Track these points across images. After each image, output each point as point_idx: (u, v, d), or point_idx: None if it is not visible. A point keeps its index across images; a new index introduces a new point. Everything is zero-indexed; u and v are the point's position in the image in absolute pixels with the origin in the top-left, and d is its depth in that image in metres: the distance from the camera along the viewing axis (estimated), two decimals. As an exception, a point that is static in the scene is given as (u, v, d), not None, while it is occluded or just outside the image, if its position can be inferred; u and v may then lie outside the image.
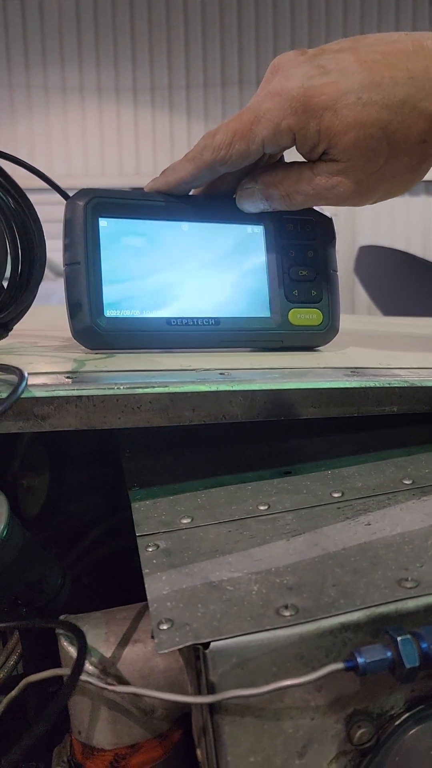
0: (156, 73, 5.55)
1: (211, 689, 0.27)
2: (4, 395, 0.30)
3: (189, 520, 0.36)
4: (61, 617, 0.33)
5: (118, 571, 0.46)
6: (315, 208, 0.48)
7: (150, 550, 0.33)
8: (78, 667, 0.28)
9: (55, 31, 5.44)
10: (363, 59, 0.39)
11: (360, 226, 5.25)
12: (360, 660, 0.26)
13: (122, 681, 0.31)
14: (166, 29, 5.46)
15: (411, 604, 0.28)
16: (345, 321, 0.56)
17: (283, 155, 0.46)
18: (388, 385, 0.40)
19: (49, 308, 0.76)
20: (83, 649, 0.29)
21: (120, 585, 0.44)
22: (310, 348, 0.49)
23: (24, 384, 0.31)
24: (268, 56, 5.42)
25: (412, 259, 2.70)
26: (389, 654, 0.26)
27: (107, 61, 5.49)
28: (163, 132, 5.63)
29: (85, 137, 5.54)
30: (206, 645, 0.26)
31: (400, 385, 0.40)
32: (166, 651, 0.26)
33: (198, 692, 0.28)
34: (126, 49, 5.50)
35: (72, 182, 5.32)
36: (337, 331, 0.49)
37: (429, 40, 0.39)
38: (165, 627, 0.27)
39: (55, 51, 5.48)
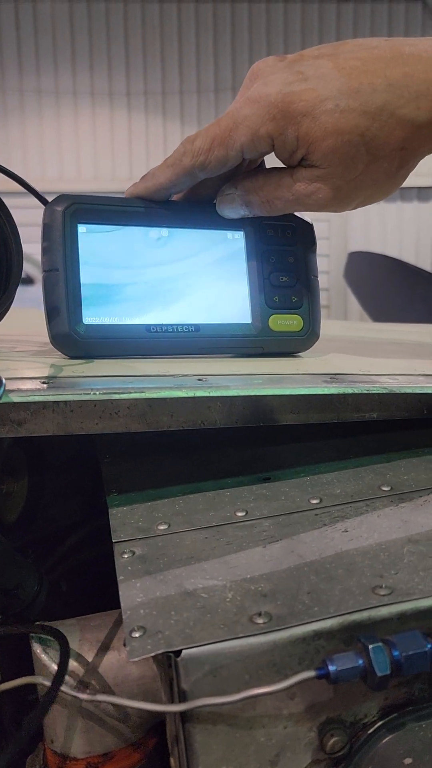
0: (149, 79, 5.57)
1: (183, 697, 0.26)
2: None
3: (166, 527, 0.36)
4: (35, 624, 0.33)
5: (96, 576, 0.46)
6: (296, 213, 0.48)
7: (125, 556, 0.33)
8: (59, 677, 0.28)
9: (48, 35, 5.45)
10: (341, 66, 0.39)
11: (352, 231, 5.28)
12: (331, 668, 0.26)
13: (96, 689, 0.31)
14: (160, 35, 5.48)
15: (384, 611, 0.28)
16: (331, 327, 0.56)
17: (263, 161, 0.46)
18: (366, 392, 0.40)
19: (25, 312, 0.76)
20: (66, 658, 0.29)
21: (98, 591, 0.44)
22: (290, 354, 0.49)
23: (2, 389, 0.31)
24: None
25: (402, 266, 2.72)
26: (361, 662, 0.26)
27: (101, 66, 5.50)
28: (156, 137, 5.64)
29: (78, 141, 5.55)
30: (178, 653, 0.26)
31: (379, 392, 0.40)
32: (137, 659, 0.26)
33: (170, 700, 0.28)
34: (120, 54, 5.52)
35: (64, 186, 5.33)
36: (317, 337, 0.49)
37: (408, 46, 0.39)
38: (137, 635, 0.27)
39: (49, 55, 5.49)
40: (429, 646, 0.27)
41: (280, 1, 5.44)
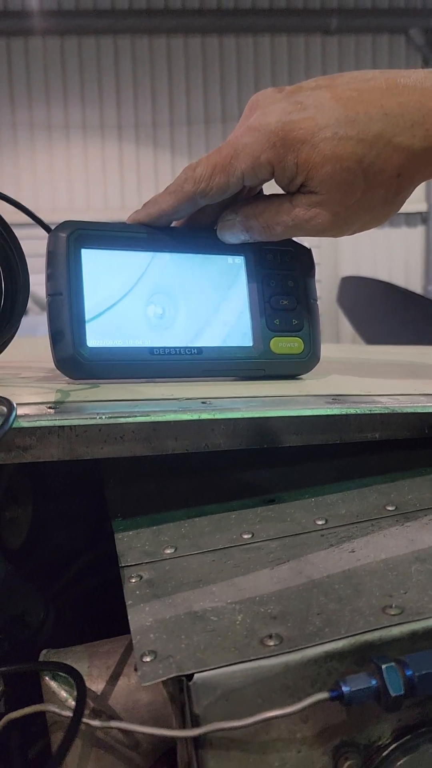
0: (140, 111, 5.65)
1: (196, 722, 0.26)
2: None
3: (172, 550, 0.36)
4: (43, 652, 0.33)
5: (102, 602, 0.46)
6: (294, 238, 0.48)
7: (133, 581, 0.33)
8: (77, 715, 0.27)
9: (40, 70, 5.54)
10: (339, 96, 0.40)
11: (342, 256, 5.33)
12: (345, 689, 0.26)
13: (106, 716, 0.31)
14: (150, 68, 5.58)
15: (395, 631, 0.28)
16: (328, 349, 0.57)
17: (262, 188, 0.47)
18: (369, 412, 0.40)
19: (32, 340, 0.76)
20: (83, 696, 0.28)
21: (104, 617, 0.43)
22: (292, 376, 0.50)
23: (13, 415, 0.31)
24: (249, 94, 5.54)
25: (394, 289, 2.74)
26: (374, 682, 0.26)
27: (92, 99, 5.59)
28: (147, 168, 5.71)
29: (70, 173, 5.61)
30: (190, 677, 0.26)
31: (381, 412, 0.40)
32: (149, 683, 0.26)
33: (182, 725, 0.27)
34: (110, 87, 5.61)
35: (57, 216, 5.35)
36: (318, 359, 0.50)
37: (402, 77, 0.41)
38: (148, 659, 0.27)
39: (41, 90, 5.57)
40: (442, 665, 0.27)
41: (266, 35, 5.56)
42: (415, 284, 5.35)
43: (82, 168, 5.63)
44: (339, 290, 2.96)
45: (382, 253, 5.41)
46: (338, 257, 5.32)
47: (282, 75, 5.65)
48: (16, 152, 5.55)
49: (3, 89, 5.52)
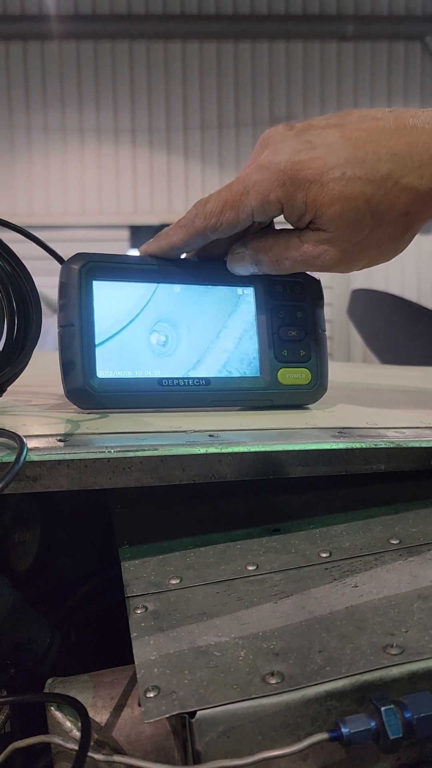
0: (154, 115, 5.68)
1: (197, 758, 0.27)
2: (6, 460, 0.31)
3: (178, 581, 0.36)
4: (49, 681, 0.33)
5: (108, 628, 0.46)
6: None
7: (138, 612, 0.34)
8: (83, 748, 0.28)
9: (56, 73, 5.58)
10: (348, 136, 0.41)
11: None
12: (344, 730, 0.27)
13: (110, 748, 0.31)
14: (165, 73, 5.61)
15: (395, 671, 0.28)
16: (337, 372, 0.57)
17: (273, 221, 0.48)
18: (374, 446, 0.40)
19: (42, 355, 0.76)
20: (87, 728, 0.29)
21: (110, 643, 0.44)
22: (299, 406, 0.50)
23: (24, 452, 0.32)
24: (264, 100, 5.57)
25: (405, 304, 2.73)
26: (373, 724, 0.27)
27: (107, 103, 5.62)
28: (161, 172, 5.74)
29: (84, 177, 5.64)
30: (192, 713, 0.26)
31: (387, 446, 0.41)
32: (152, 720, 0.26)
33: (184, 761, 0.28)
34: (125, 92, 5.64)
35: (69, 220, 5.40)
36: (325, 389, 0.50)
37: (411, 118, 0.41)
38: (152, 694, 0.27)
39: (56, 93, 5.61)
40: (440, 707, 0.28)
41: (282, 40, 5.57)
42: (426, 298, 5.34)
43: (95, 172, 5.66)
44: (350, 302, 2.95)
45: (395, 263, 5.40)
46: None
47: (296, 81, 5.66)
48: (30, 155, 5.58)
49: (18, 92, 5.57)
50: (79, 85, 5.61)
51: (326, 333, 0.50)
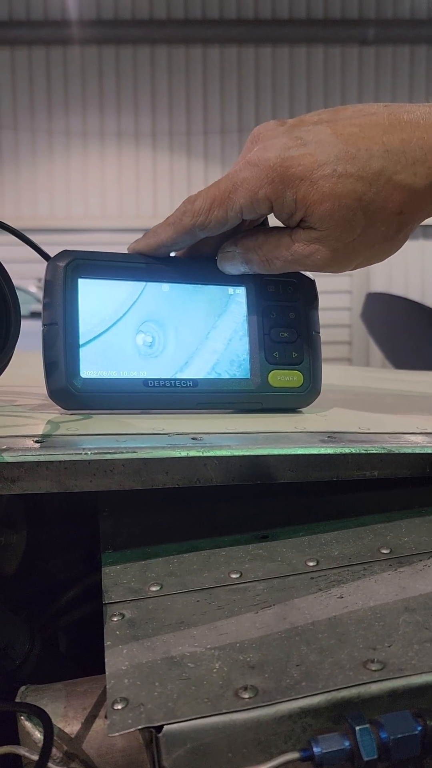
0: (174, 119, 5.71)
1: (164, 775, 0.26)
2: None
3: (158, 588, 0.35)
4: (22, 688, 0.32)
5: (95, 634, 0.45)
6: None
7: (115, 620, 0.33)
8: (43, 759, 0.27)
9: (78, 78, 5.63)
10: (339, 132, 0.40)
11: (374, 269, 5.29)
12: (316, 750, 0.25)
13: (78, 760, 0.30)
14: (185, 77, 5.63)
15: (374, 688, 0.27)
16: (341, 376, 0.56)
17: (267, 219, 0.47)
18: (365, 452, 0.39)
19: (33, 356, 0.74)
20: (50, 738, 0.28)
21: (93, 648, 0.43)
22: (290, 410, 0.49)
23: None
24: (284, 104, 5.57)
25: (417, 307, 2.69)
26: (347, 744, 0.26)
27: (127, 107, 5.66)
28: (180, 175, 5.76)
29: (104, 180, 5.69)
30: (159, 728, 0.25)
31: (378, 452, 0.39)
32: (116, 734, 0.25)
33: (152, 777, 0.27)
34: (146, 96, 5.68)
35: (89, 223, 5.44)
36: (318, 392, 0.49)
37: (406, 113, 0.40)
38: (119, 706, 0.26)
39: (78, 98, 5.66)
40: (419, 728, 0.26)
41: (302, 45, 5.57)
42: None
43: (116, 175, 5.70)
44: (363, 306, 2.93)
45: (415, 266, 5.35)
46: (370, 270, 5.28)
47: (317, 85, 5.66)
48: (51, 159, 5.64)
49: (41, 97, 5.63)
50: (101, 90, 5.66)
51: (320, 335, 0.48)
